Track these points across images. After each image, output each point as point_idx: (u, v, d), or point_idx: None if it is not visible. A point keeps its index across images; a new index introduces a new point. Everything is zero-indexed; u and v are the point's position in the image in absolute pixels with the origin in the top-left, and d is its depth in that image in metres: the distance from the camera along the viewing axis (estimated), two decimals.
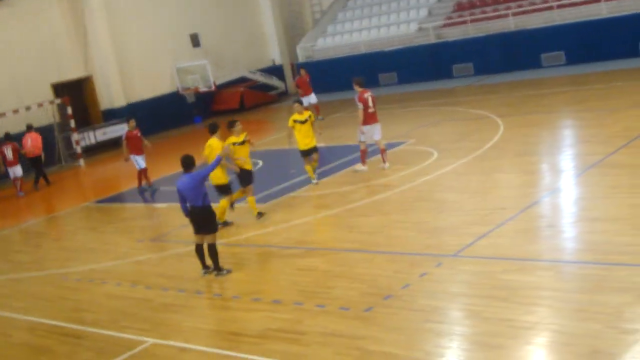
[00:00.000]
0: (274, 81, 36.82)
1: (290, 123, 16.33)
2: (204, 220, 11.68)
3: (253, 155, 15.76)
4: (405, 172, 16.24)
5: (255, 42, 37.88)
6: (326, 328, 9.22)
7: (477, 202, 13.48)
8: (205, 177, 11.73)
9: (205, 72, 32.90)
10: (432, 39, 32.51)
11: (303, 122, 16.19)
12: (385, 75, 33.26)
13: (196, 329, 10.16)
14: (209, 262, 11.96)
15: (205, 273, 11.99)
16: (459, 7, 33.38)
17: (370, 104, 16.62)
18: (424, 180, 15.29)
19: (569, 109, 20.93)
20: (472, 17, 31.71)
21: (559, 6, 29.27)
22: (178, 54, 33.66)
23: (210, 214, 11.75)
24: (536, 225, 11.72)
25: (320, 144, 19.40)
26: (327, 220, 14.08)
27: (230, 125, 14.50)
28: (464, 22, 31.78)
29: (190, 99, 34.00)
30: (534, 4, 30.41)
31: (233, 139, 14.39)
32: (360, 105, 16.59)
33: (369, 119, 16.64)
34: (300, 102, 16.84)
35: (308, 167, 16.61)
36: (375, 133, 16.80)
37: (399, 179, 15.69)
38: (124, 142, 19.46)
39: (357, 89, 16.99)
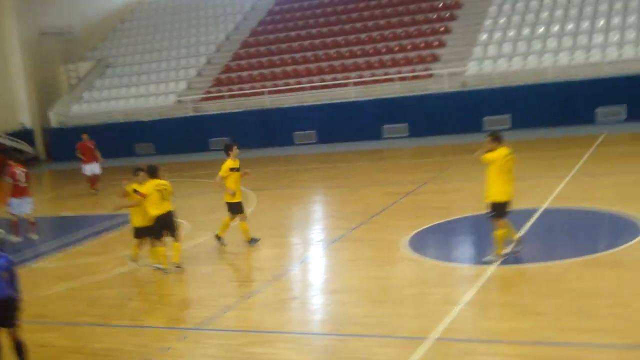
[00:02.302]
0: (23, 145, 35.01)
1: (225, 172, 14.56)
2: (9, 312, 9.22)
3: None
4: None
5: (4, 104, 35.94)
6: None
7: (227, 274, 13.54)
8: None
9: None
10: (190, 112, 32.78)
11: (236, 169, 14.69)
12: (142, 145, 32.91)
13: None
14: None
15: None
16: (218, 83, 34.05)
17: (22, 179, 17.72)
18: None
19: (318, 185, 21.87)
20: (230, 92, 32.44)
21: (311, 87, 30.81)
22: None
23: (15, 302, 9.31)
24: (282, 297, 11.93)
25: (68, 213, 18.69)
26: (69, 292, 13.36)
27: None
28: (222, 97, 32.42)
29: None
30: (288, 84, 31.75)
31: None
32: (9, 180, 17.64)
33: (20, 192, 17.69)
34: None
35: (244, 225, 14.96)
36: (24, 206, 17.79)
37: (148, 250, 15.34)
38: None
39: (12, 163, 18.12)
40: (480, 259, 12.24)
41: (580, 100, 26.21)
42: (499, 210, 11.95)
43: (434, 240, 14.38)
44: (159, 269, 13.73)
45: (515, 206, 14.71)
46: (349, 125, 29.47)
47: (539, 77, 27.17)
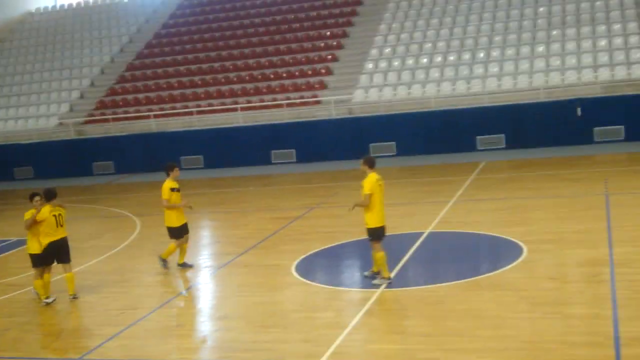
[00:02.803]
0: None
1: (167, 195, 14.38)
2: None
3: None
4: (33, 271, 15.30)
5: None
6: None
7: (109, 302, 13.11)
8: None
9: None
10: (72, 135, 31.89)
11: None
12: (21, 169, 31.75)
13: None
14: None
15: None
16: (101, 105, 33.29)
17: None
18: (54, 280, 14.53)
19: (206, 210, 21.60)
20: (114, 116, 31.78)
21: (199, 112, 30.57)
22: None
23: None
24: (167, 324, 11.68)
25: None
26: None
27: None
28: (106, 120, 31.71)
29: None
30: (175, 108, 31.39)
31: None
32: None
33: None
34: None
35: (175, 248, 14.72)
36: None
37: (26, 279, 14.73)
38: None
39: None
40: (366, 283, 12.39)
41: (462, 128, 27.07)
42: (376, 234, 12.28)
43: (322, 264, 14.45)
44: (39, 297, 13.20)
45: (400, 230, 15.04)
46: (237, 151, 29.36)
47: (422, 106, 27.91)
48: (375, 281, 12.25)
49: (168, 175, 14.61)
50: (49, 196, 13.14)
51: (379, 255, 12.23)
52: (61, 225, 13.06)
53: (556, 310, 10.37)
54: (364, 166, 12.39)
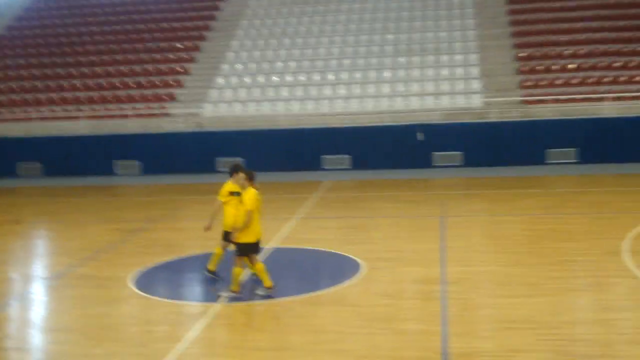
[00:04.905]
0: None
1: (226, 197, 12.21)
2: None
3: None
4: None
5: None
6: None
7: None
8: None
9: None
10: None
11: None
12: None
13: None
14: None
15: None
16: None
17: None
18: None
19: (41, 220, 20.76)
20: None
21: (39, 118, 29.36)
22: None
23: None
24: None
25: None
26: None
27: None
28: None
29: None
30: (13, 112, 30.03)
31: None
32: None
33: None
34: None
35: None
36: None
37: None
38: None
39: None
40: (205, 296, 12.26)
41: (308, 147, 27.51)
42: (247, 250, 11.86)
43: (161, 278, 14.15)
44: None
45: None
46: (78, 159, 28.42)
47: (271, 123, 28.14)
48: (260, 292, 12.05)
49: (231, 176, 12.28)
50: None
51: (259, 266, 11.94)
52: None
53: (390, 326, 10.66)
54: (244, 181, 11.57)
